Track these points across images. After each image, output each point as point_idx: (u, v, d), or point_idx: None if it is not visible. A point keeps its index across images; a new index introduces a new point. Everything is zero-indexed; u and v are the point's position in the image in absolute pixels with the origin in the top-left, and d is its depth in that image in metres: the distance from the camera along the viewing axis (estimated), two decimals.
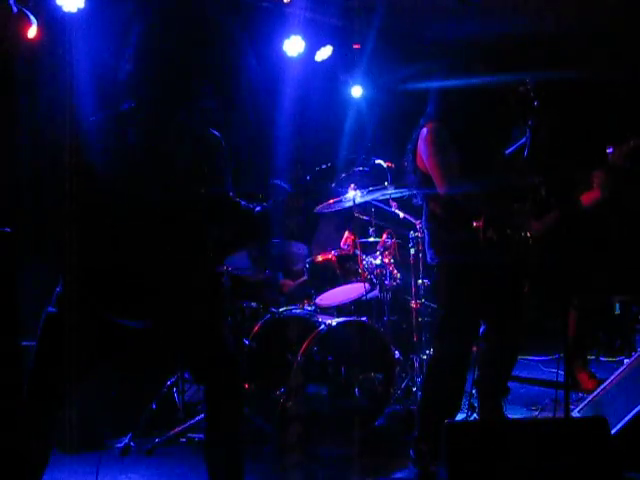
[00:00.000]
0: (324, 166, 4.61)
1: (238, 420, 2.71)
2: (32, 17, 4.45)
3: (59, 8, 4.62)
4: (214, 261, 2.87)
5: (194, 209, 2.61)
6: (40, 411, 2.54)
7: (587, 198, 4.88)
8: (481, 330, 3.71)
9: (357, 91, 6.55)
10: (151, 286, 2.52)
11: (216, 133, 2.69)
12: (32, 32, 4.50)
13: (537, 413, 4.48)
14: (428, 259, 3.69)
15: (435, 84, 3.62)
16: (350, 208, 4.78)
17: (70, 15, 4.66)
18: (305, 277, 4.81)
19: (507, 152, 3.75)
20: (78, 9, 4.65)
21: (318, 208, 4.79)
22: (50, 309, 2.55)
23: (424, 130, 3.55)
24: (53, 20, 4.68)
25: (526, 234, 3.46)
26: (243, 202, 2.80)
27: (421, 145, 3.54)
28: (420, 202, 3.72)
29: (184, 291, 2.58)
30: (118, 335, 2.60)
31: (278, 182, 4.81)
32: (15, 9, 4.31)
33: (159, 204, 2.53)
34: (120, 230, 2.50)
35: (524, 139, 3.53)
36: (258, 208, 2.79)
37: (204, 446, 2.73)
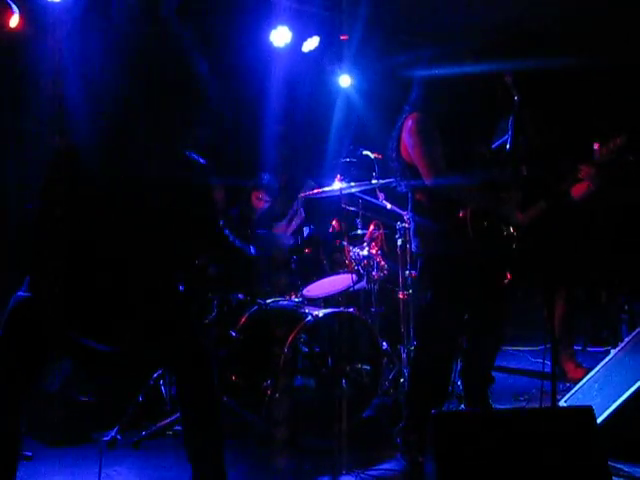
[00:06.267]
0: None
1: (214, 410, 2.71)
2: (14, 6, 4.40)
3: None
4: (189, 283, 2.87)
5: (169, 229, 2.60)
6: (7, 393, 2.51)
7: (577, 191, 4.86)
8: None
9: (345, 81, 6.52)
10: (121, 312, 2.52)
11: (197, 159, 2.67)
12: (14, 21, 4.45)
13: (524, 403, 4.49)
14: (413, 248, 3.69)
15: (420, 72, 3.61)
16: (337, 198, 4.77)
17: (54, 4, 4.61)
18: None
19: (494, 146, 3.74)
20: None
21: (304, 195, 4.79)
22: (21, 293, 2.52)
23: (409, 121, 3.54)
24: (37, 9, 4.62)
25: (511, 224, 3.46)
26: (236, 241, 2.82)
27: (405, 136, 3.53)
28: (404, 190, 3.71)
29: (154, 317, 2.59)
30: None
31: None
32: None
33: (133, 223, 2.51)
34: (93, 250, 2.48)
35: (510, 132, 3.52)
36: (253, 251, 2.82)
37: (184, 438, 2.72)
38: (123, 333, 2.62)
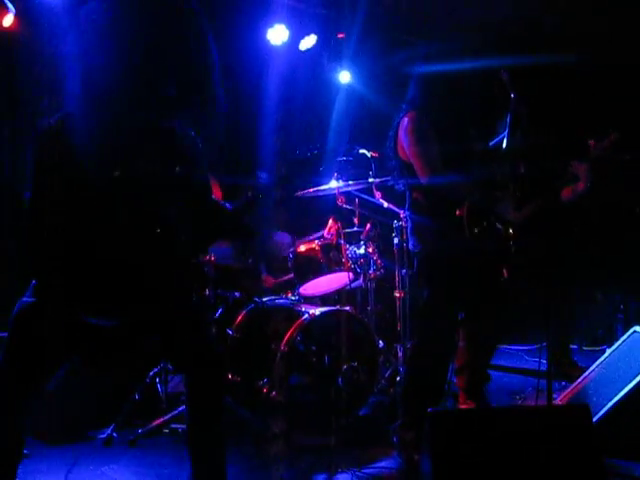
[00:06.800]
0: (309, 154, 4.58)
1: (220, 411, 2.69)
2: (10, 5, 4.39)
3: None
4: (189, 256, 2.83)
5: (167, 206, 2.57)
6: (12, 400, 2.49)
7: (566, 192, 4.83)
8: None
9: (345, 77, 6.50)
10: (126, 283, 2.49)
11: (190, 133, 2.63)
12: (8, 20, 4.44)
13: (520, 402, 4.50)
14: (410, 246, 3.70)
15: (418, 70, 3.61)
16: (333, 197, 4.77)
17: (50, 4, 4.60)
18: (290, 275, 4.78)
19: (491, 144, 3.75)
20: None
21: (300, 193, 4.78)
22: (26, 299, 2.50)
23: (405, 119, 3.54)
24: (32, 8, 4.61)
25: (508, 222, 3.47)
26: (221, 203, 2.79)
27: (402, 134, 3.53)
28: (401, 188, 3.72)
29: (159, 287, 2.55)
30: (91, 331, 2.57)
31: (261, 175, 4.79)
32: None
33: (131, 201, 2.48)
34: (93, 228, 2.45)
35: (506, 130, 3.53)
36: (228, 206, 2.78)
37: (187, 436, 2.70)
38: (129, 336, 2.61)
